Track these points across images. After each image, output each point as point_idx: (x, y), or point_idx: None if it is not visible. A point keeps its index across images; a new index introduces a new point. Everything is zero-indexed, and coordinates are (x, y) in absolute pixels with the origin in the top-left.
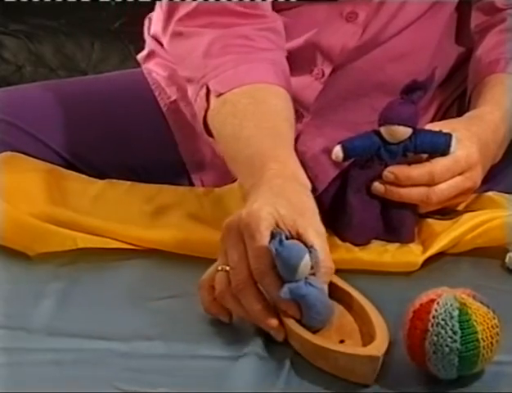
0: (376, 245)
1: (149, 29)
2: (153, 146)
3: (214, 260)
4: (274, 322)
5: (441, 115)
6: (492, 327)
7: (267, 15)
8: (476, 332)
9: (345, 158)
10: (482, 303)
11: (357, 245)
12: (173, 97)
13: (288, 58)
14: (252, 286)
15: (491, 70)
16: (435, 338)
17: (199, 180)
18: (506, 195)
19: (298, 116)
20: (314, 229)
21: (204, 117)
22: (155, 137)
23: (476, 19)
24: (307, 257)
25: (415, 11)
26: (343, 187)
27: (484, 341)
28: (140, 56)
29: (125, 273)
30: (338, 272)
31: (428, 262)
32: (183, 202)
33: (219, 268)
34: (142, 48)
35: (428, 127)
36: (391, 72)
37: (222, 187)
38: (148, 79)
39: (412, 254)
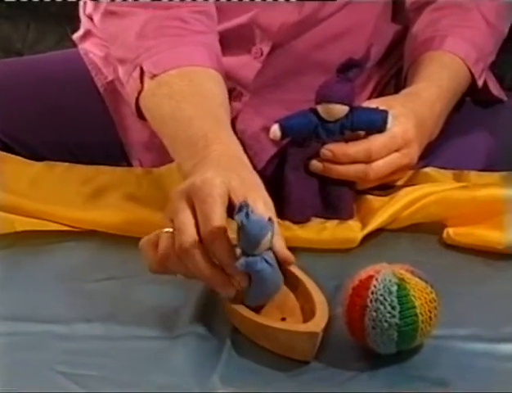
0: (315, 222)
1: (84, 8)
2: (91, 127)
3: None
4: (221, 278)
5: (378, 92)
6: (430, 301)
7: None
8: (414, 307)
9: (283, 136)
10: (420, 278)
11: (295, 222)
12: (110, 78)
13: (227, 37)
14: (196, 247)
15: (427, 47)
16: (374, 314)
17: (138, 161)
18: (443, 170)
19: (237, 95)
20: (264, 203)
21: (137, 99)
22: (93, 117)
23: None
24: (269, 234)
25: None
26: (282, 165)
27: (423, 315)
28: (76, 36)
29: (64, 256)
30: None
31: (367, 238)
32: (121, 183)
33: (164, 230)
34: (79, 29)
35: (365, 104)
36: (329, 51)
37: (160, 168)
38: (85, 60)
39: (351, 230)
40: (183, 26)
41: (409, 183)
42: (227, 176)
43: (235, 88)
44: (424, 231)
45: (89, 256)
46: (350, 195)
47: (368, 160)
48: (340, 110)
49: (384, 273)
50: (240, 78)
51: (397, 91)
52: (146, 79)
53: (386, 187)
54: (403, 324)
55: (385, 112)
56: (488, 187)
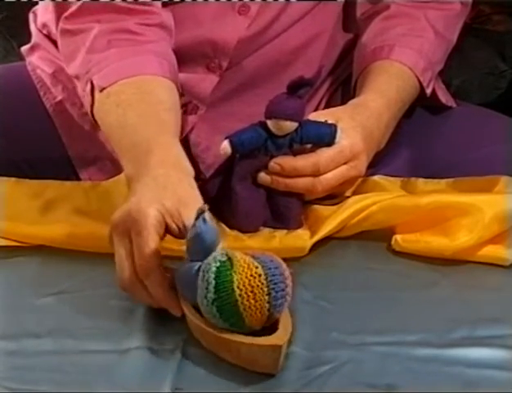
0: (264, 232)
1: (35, 22)
2: (38, 141)
3: (101, 254)
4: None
5: (326, 101)
6: (252, 275)
7: (153, 10)
8: (232, 282)
9: (233, 153)
10: (253, 257)
11: (244, 232)
12: (59, 98)
13: (184, 52)
14: (138, 283)
15: (376, 57)
16: (199, 290)
17: (87, 176)
18: (391, 178)
19: (193, 108)
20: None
21: (92, 112)
22: (40, 131)
23: (361, 7)
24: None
25: (308, 3)
26: (229, 176)
27: (241, 289)
28: (23, 49)
29: (13, 271)
30: None
31: (315, 246)
32: (70, 197)
33: None
34: (25, 43)
35: (314, 116)
36: (286, 65)
37: (108, 180)
38: (32, 77)
39: (300, 239)
40: (132, 38)
41: (357, 191)
42: (161, 198)
43: (190, 102)
44: (373, 238)
45: (37, 271)
46: (298, 205)
47: (316, 174)
48: (290, 126)
49: (214, 254)
50: (197, 92)
51: (344, 99)
52: (96, 93)
53: (334, 196)
54: (220, 299)
55: (334, 126)
56: (434, 194)
